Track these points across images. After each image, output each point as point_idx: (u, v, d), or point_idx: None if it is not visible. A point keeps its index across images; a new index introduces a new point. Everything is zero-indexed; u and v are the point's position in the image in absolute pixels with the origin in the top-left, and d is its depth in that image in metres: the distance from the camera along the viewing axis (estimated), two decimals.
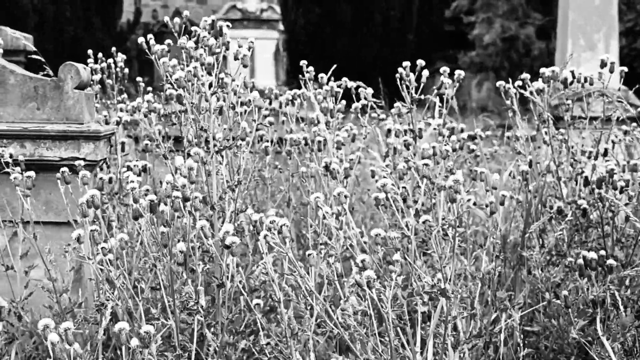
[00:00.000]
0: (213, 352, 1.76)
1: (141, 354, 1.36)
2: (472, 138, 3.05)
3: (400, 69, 2.11)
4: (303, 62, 2.37)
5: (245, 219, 2.00)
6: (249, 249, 2.18)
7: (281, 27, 11.38)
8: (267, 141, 2.88)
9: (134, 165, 2.10)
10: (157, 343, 1.41)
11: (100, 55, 3.22)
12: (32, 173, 2.00)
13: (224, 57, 2.02)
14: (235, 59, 1.97)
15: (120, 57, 3.28)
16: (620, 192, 2.24)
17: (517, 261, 2.45)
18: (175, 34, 2.15)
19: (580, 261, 1.78)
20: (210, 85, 1.91)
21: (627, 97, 4.42)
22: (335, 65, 2.65)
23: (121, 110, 2.90)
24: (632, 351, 1.84)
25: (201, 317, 1.70)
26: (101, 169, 2.54)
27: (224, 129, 2.04)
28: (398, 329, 1.61)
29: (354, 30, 16.27)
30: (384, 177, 1.68)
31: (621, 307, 1.80)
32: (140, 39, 2.20)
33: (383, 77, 4.37)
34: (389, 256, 1.55)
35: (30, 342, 2.07)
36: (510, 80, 2.47)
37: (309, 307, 1.64)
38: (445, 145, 1.75)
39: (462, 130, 2.98)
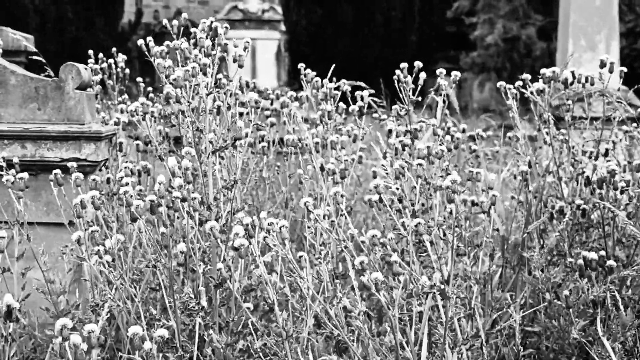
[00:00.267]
0: (211, 353, 1.76)
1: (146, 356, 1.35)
2: (472, 138, 3.04)
3: (397, 71, 2.11)
4: (301, 65, 2.37)
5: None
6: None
7: (283, 27, 11.37)
8: (267, 142, 2.89)
9: (129, 168, 2.09)
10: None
11: (101, 55, 3.22)
12: (25, 174, 1.99)
13: (224, 58, 2.02)
14: (234, 60, 1.97)
15: (121, 57, 3.28)
16: (621, 193, 2.24)
17: (518, 261, 2.44)
18: (174, 36, 2.14)
19: (581, 261, 1.77)
20: (207, 86, 1.91)
21: (627, 97, 4.41)
22: (335, 66, 2.64)
23: (121, 111, 2.90)
24: (632, 351, 1.83)
25: (200, 318, 1.69)
26: (101, 170, 2.54)
27: (224, 129, 2.04)
28: (398, 329, 1.61)
29: (355, 31, 16.27)
30: (383, 177, 1.68)
31: (621, 307, 1.79)
32: (140, 41, 2.19)
33: (384, 78, 4.36)
34: (388, 257, 1.54)
35: (29, 344, 2.07)
36: (511, 80, 2.47)
37: (304, 309, 1.63)
38: (440, 145, 1.74)
39: (463, 131, 2.97)
